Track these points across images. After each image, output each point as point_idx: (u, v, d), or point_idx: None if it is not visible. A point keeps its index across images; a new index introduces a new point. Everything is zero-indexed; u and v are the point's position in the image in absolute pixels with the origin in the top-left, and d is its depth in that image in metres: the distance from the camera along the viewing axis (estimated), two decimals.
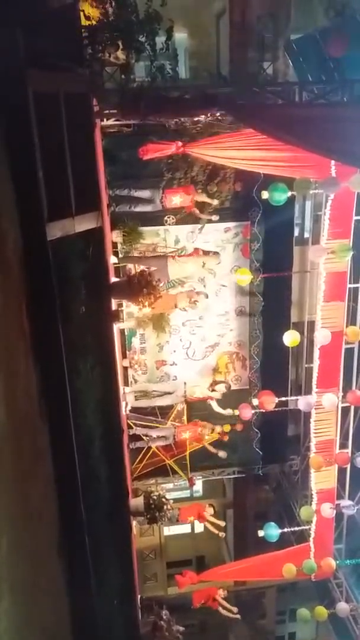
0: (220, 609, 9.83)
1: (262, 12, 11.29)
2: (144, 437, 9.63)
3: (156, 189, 8.70)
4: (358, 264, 9.17)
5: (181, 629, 9.10)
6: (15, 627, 4.57)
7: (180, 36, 11.61)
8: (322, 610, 9.56)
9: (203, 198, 8.88)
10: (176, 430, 9.59)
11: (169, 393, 9.87)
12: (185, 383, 9.82)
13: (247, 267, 9.59)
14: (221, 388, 9.73)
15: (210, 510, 9.81)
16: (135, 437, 9.66)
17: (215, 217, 9.16)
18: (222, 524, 10.24)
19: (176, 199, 8.71)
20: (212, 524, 9.90)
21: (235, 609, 9.94)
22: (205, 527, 10.12)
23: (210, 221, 9.21)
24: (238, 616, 10.02)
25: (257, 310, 9.97)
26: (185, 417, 9.76)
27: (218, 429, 9.82)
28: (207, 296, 9.46)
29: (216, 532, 10.00)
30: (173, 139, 8.04)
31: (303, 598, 11.95)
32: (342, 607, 9.54)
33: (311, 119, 6.68)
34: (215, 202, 8.99)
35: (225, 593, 9.88)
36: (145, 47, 6.63)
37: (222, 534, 10.28)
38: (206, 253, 9.38)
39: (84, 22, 6.28)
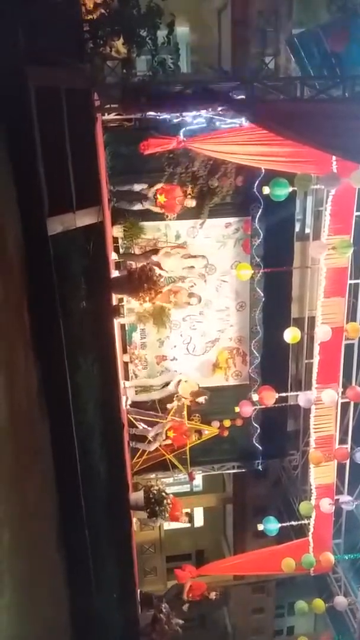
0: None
1: (264, 6, 11.26)
2: (146, 436, 9.62)
3: (153, 186, 8.62)
4: (359, 260, 9.18)
5: (180, 622, 9.13)
6: (16, 621, 4.60)
7: (182, 30, 11.59)
8: (319, 603, 9.62)
9: (191, 204, 8.73)
10: (165, 427, 9.51)
11: (167, 384, 9.83)
12: (179, 373, 9.74)
13: (248, 263, 9.58)
14: (201, 400, 9.69)
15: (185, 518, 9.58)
16: (134, 438, 9.69)
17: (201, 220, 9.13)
18: None
19: (161, 199, 8.50)
20: None
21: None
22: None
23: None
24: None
25: (258, 305, 9.96)
26: (185, 412, 9.78)
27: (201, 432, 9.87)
28: (200, 300, 9.37)
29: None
30: (174, 134, 8.01)
31: (302, 592, 12.00)
32: (340, 600, 9.61)
33: (312, 114, 6.65)
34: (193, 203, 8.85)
35: (216, 595, 9.74)
36: (147, 41, 6.62)
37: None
38: (193, 256, 9.06)
39: (85, 16, 6.27)
